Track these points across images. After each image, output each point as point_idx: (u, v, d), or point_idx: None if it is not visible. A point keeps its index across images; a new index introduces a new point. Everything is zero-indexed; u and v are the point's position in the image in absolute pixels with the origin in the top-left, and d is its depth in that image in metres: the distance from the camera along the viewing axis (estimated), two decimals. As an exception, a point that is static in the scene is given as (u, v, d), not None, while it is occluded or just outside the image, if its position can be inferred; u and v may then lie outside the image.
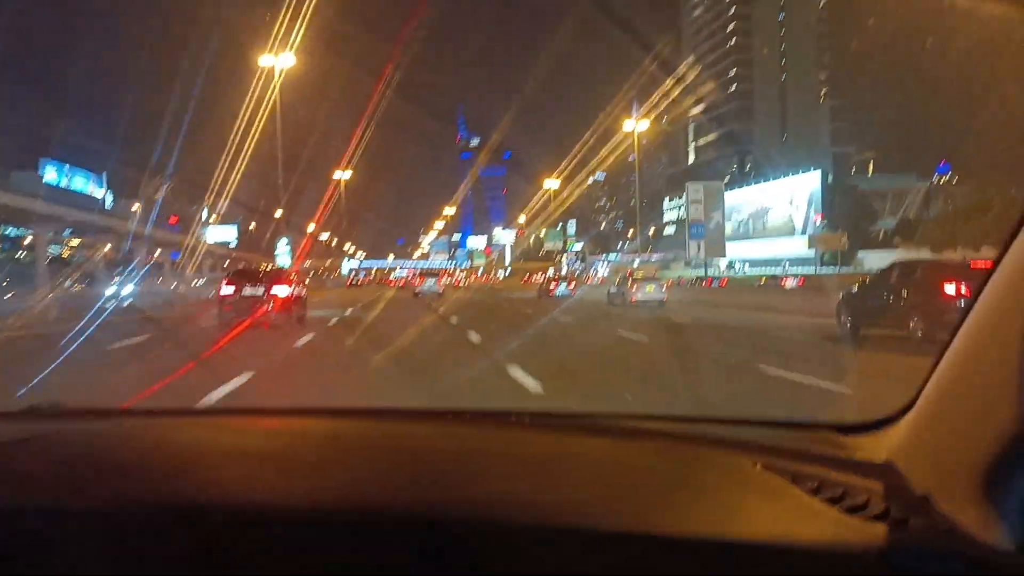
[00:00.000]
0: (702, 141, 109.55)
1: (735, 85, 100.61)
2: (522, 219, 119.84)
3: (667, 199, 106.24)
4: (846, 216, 66.87)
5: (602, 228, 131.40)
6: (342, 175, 75.51)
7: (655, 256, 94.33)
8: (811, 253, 63.80)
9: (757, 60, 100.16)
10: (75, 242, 75.76)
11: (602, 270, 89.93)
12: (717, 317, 21.31)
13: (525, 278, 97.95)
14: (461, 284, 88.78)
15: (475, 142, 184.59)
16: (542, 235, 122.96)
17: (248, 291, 18.47)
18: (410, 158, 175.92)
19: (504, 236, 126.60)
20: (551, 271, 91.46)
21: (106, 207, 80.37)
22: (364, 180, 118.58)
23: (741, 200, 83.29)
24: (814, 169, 73.87)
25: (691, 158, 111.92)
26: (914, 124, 75.50)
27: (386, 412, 2.28)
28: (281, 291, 18.70)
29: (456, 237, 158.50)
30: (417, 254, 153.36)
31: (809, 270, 58.11)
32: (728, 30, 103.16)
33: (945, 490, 1.14)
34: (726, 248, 79.89)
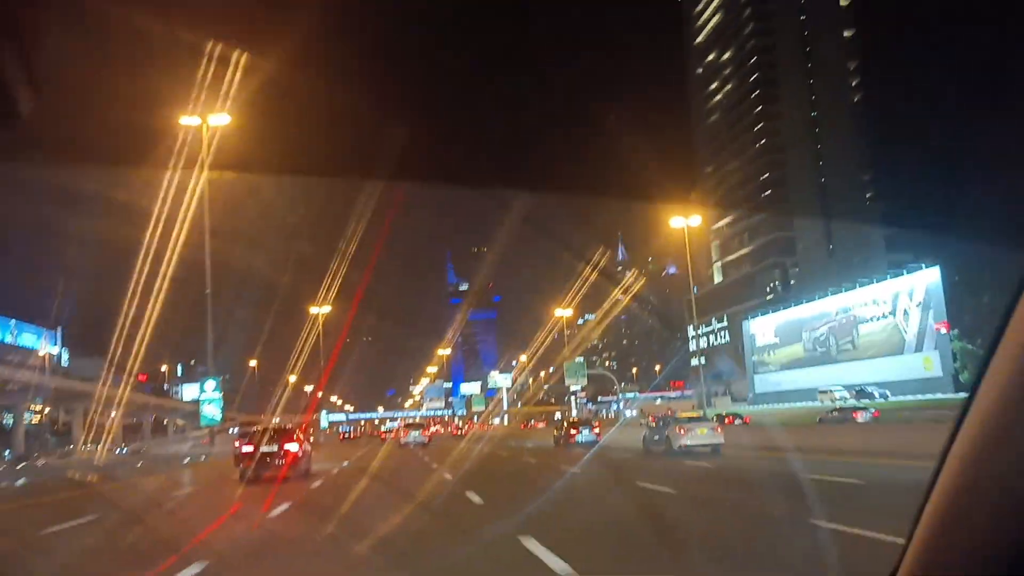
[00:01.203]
0: (730, 258, 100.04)
1: (767, 191, 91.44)
2: (520, 359, 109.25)
3: (689, 328, 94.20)
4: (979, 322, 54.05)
5: (595, 368, 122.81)
6: (319, 322, 68.04)
7: (688, 392, 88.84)
8: (928, 373, 54.44)
9: (792, 161, 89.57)
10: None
11: (628, 411, 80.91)
12: (821, 469, 15.91)
13: (524, 424, 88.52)
14: (459, 432, 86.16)
15: (464, 287, 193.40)
16: (542, 376, 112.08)
17: (264, 448, 22.14)
18: (398, 307, 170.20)
19: (500, 380, 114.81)
20: (559, 415, 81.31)
21: (62, 364, 79.53)
22: (350, 331, 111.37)
23: (810, 314, 71.01)
24: (927, 266, 58.15)
25: (717, 278, 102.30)
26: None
27: None
28: (292, 447, 22.62)
29: (448, 385, 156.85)
30: (408, 404, 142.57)
31: (923, 395, 49.78)
32: (756, 130, 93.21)
33: None
34: (799, 374, 71.15)
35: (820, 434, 30.04)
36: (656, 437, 28.01)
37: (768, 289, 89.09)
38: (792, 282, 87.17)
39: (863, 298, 64.10)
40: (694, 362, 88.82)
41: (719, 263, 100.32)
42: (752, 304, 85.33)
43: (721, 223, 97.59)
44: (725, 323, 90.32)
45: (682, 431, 26.08)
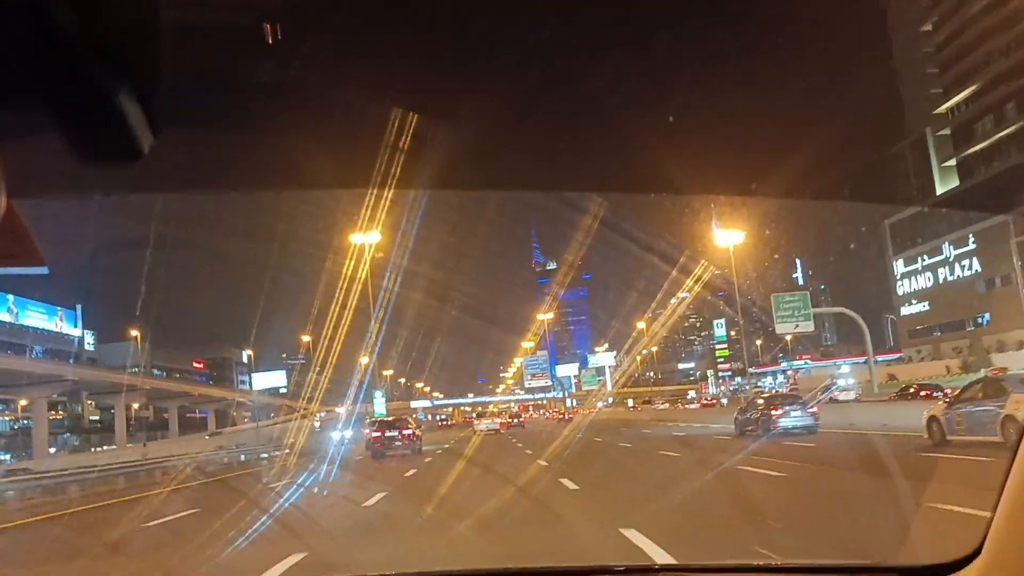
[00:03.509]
0: (973, 149, 72.71)
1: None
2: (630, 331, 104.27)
3: (898, 262, 77.21)
4: None
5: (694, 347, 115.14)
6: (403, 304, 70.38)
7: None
8: None
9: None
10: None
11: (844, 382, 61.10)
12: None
13: (637, 406, 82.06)
14: (563, 417, 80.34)
15: (551, 266, 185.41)
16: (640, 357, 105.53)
17: (388, 433, 31.52)
18: (486, 294, 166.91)
19: (603, 358, 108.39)
20: (689, 394, 72.47)
21: (86, 347, 68.17)
22: (439, 319, 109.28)
23: None
24: None
25: (940, 188, 77.15)
26: None
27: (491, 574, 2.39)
28: (408, 432, 31.60)
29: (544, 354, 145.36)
30: (500, 389, 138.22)
31: None
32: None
33: None
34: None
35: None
36: (746, 416, 28.34)
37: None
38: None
39: None
40: (909, 309, 74.14)
41: (953, 160, 74.74)
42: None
43: (951, 101, 73.80)
44: (971, 244, 68.36)
45: (776, 412, 25.86)
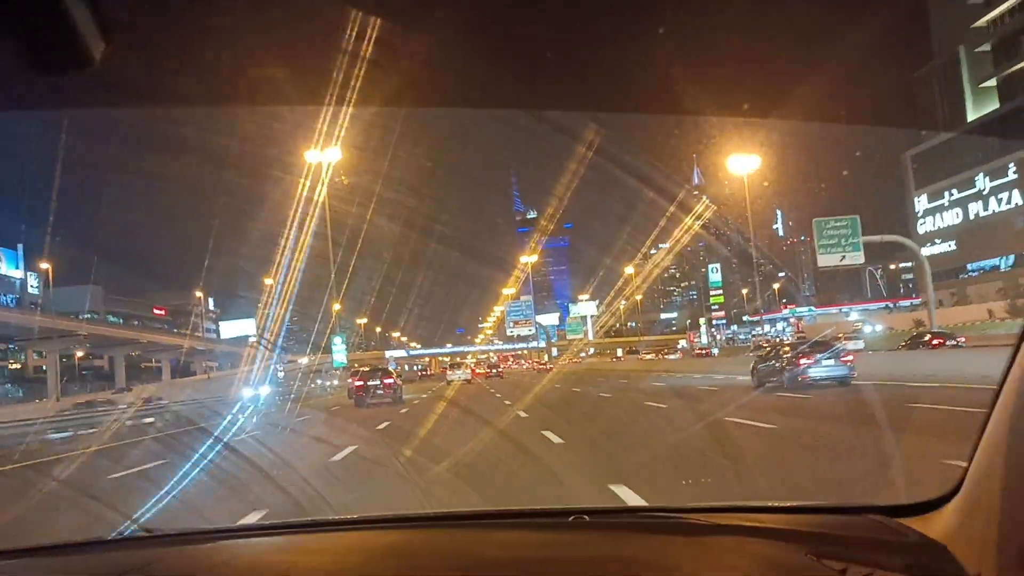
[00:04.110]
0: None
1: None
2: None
3: (919, 198, 70.26)
4: None
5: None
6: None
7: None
8: None
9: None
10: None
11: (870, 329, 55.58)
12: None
13: (617, 356, 78.80)
14: (545, 368, 76.99)
15: (532, 215, 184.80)
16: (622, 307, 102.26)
17: (371, 382, 32.52)
18: (464, 243, 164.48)
19: (585, 308, 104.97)
20: (679, 343, 69.03)
21: (30, 291, 63.52)
22: (415, 269, 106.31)
23: None
24: None
25: (973, 113, 68.32)
26: None
27: (466, 517, 2.55)
28: (389, 381, 32.90)
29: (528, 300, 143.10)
30: (479, 340, 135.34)
31: None
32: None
33: (997, 571, 1.20)
34: None
35: None
36: (769, 367, 25.54)
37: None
38: None
39: None
40: (931, 250, 64.14)
41: (992, 80, 67.13)
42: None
43: (995, 11, 65.81)
44: (1011, 174, 61.58)
45: (805, 360, 23.31)
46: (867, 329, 51.73)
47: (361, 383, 32.90)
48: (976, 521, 1.32)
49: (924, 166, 69.80)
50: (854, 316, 59.96)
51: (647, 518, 2.14)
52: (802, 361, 23.49)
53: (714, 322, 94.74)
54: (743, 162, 44.41)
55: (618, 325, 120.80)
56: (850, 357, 24.15)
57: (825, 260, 40.32)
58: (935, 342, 38.23)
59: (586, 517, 2.11)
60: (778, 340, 43.26)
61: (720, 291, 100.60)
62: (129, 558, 1.95)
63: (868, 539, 1.59)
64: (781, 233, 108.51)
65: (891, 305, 68.93)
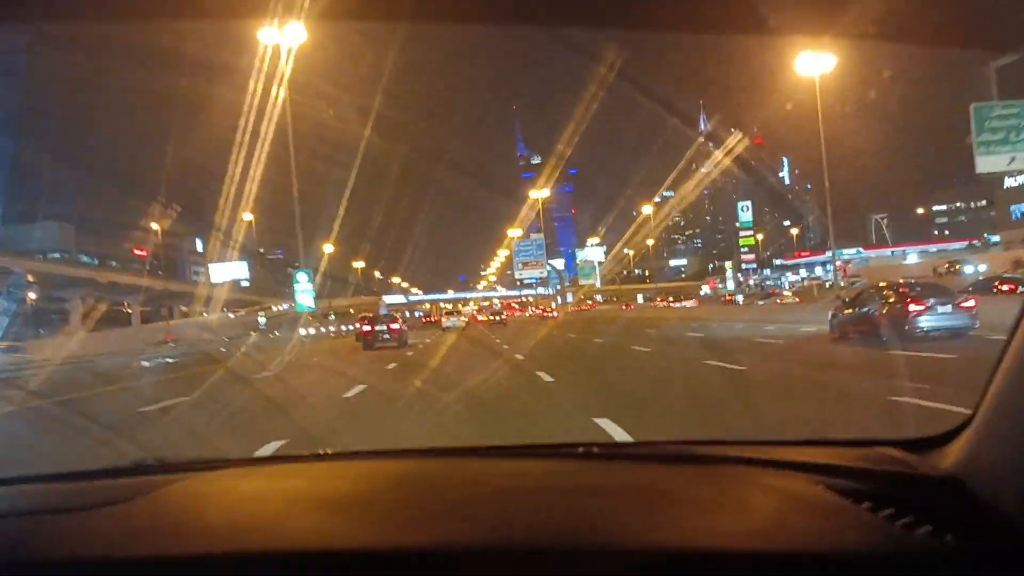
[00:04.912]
0: None
1: None
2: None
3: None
4: None
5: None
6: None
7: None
8: None
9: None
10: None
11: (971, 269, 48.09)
12: None
13: (626, 305, 74.65)
14: (549, 314, 75.09)
15: (536, 160, 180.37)
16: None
17: (377, 327, 34.83)
18: (466, 185, 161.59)
19: (592, 253, 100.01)
20: (702, 289, 64.04)
21: None
22: (415, 211, 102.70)
23: None
24: None
25: None
26: None
27: (470, 451, 2.60)
28: (396, 326, 35.33)
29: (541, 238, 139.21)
30: (481, 286, 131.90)
31: None
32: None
33: (1009, 503, 1.23)
34: None
35: None
36: (859, 313, 20.85)
37: None
38: None
39: None
40: (1015, 181, 56.10)
41: None
42: None
43: None
44: None
45: (916, 307, 18.92)
46: (968, 269, 45.21)
47: (369, 328, 36.00)
48: (988, 452, 1.35)
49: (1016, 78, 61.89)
50: (912, 259, 54.25)
51: (656, 450, 2.17)
52: (911, 307, 19.13)
53: (743, 266, 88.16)
54: (812, 62, 36.96)
55: (625, 272, 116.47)
56: (971, 303, 19.58)
57: (987, 164, 32.27)
58: (1005, 287, 33.37)
59: (595, 449, 2.16)
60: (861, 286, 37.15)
61: (751, 232, 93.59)
62: (139, 485, 2.00)
63: (881, 472, 1.60)
64: (788, 181, 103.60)
65: (976, 243, 60.75)
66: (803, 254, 74.01)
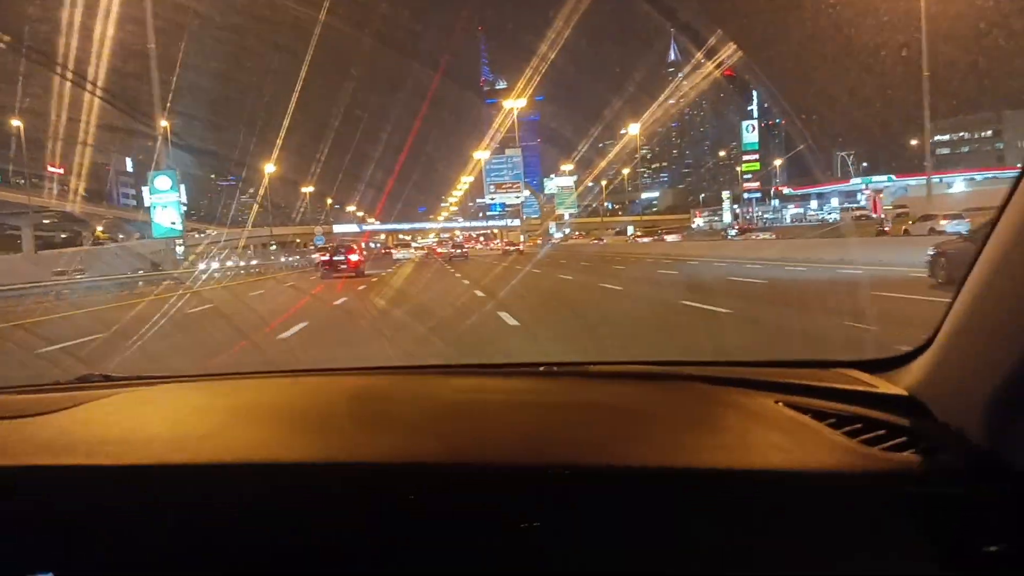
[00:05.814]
0: None
1: None
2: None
3: None
4: None
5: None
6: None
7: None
8: None
9: None
10: None
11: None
12: None
13: (599, 238, 68.89)
14: (513, 248, 69.63)
15: (501, 85, 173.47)
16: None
17: (336, 258, 36.15)
18: (426, 110, 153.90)
19: (562, 181, 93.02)
20: (695, 222, 57.61)
21: None
22: (371, 139, 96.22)
23: None
24: None
25: None
26: None
27: (428, 368, 2.59)
28: (353, 257, 36.18)
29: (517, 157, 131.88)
30: (442, 217, 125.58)
31: None
32: None
33: (967, 420, 1.25)
34: None
35: None
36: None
37: None
38: None
39: None
40: None
41: None
42: None
43: None
44: None
45: None
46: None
47: (328, 258, 37.30)
48: (947, 372, 1.38)
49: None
50: (959, 187, 48.20)
51: (619, 369, 2.17)
52: None
53: (745, 195, 78.32)
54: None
55: (595, 205, 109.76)
56: None
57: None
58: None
59: (555, 368, 2.17)
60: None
61: (756, 155, 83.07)
62: (84, 397, 2.01)
63: (841, 391, 1.61)
64: (756, 115, 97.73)
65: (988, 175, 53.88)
66: (831, 182, 65.42)
